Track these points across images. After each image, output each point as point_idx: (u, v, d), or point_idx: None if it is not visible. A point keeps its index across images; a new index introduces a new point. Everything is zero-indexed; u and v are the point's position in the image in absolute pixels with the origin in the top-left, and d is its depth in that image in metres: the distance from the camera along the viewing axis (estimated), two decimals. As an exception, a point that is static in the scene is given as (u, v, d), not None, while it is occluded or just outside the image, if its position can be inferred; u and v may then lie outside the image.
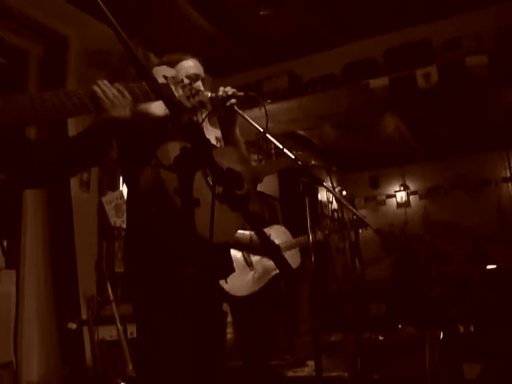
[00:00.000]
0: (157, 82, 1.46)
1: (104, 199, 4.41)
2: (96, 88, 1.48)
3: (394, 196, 8.59)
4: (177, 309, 1.88)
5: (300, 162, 2.47)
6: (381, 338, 3.32)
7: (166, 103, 1.18)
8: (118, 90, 1.52)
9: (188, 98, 1.70)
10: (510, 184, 7.74)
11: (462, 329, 4.21)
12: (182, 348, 1.96)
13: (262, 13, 4.84)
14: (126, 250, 2.10)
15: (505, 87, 5.07)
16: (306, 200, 2.43)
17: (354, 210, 2.56)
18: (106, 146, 1.61)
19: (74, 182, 4.18)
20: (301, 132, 5.99)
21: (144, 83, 1.53)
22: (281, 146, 2.51)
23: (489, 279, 4.56)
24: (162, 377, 1.92)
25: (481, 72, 4.50)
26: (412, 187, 8.51)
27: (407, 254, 7.78)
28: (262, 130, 2.61)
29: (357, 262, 8.03)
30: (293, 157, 2.50)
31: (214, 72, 4.86)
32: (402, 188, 8.53)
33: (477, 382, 3.28)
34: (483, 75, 4.51)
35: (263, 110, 2.43)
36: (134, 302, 2.11)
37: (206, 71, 2.40)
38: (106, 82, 1.51)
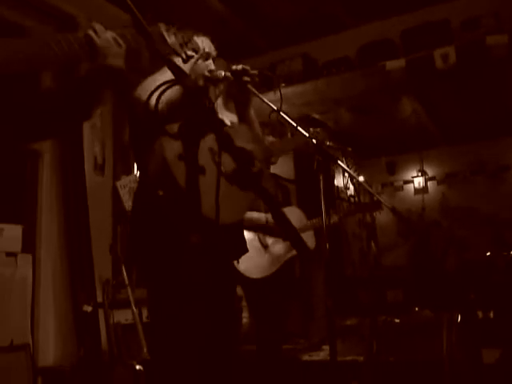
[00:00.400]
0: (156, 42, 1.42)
1: (118, 183, 4.41)
2: (91, 33, 1.42)
3: (412, 182, 8.47)
4: (189, 291, 1.86)
5: (314, 140, 2.43)
6: (397, 320, 3.27)
7: (169, 66, 1.14)
8: (114, 38, 1.45)
9: (181, 45, 1.65)
10: (530, 169, 7.58)
11: (480, 314, 4.16)
12: (195, 331, 1.94)
13: (275, -6, 4.77)
14: (132, 231, 2.08)
15: (525, 67, 4.94)
16: (321, 178, 2.38)
17: (371, 189, 2.51)
18: (97, 97, 1.53)
19: (88, 166, 4.17)
20: (316, 115, 5.92)
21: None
22: (295, 124, 2.48)
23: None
24: (176, 360, 1.91)
25: (501, 51, 4.39)
26: (430, 173, 8.37)
27: (424, 240, 7.70)
28: (275, 109, 2.58)
29: (373, 246, 7.97)
30: (307, 135, 2.47)
31: (228, 56, 4.80)
32: (419, 174, 8.40)
33: (496, 367, 3.23)
34: (503, 54, 4.39)
35: (278, 93, 2.41)
36: (146, 285, 2.10)
37: (219, 55, 2.37)
38: (100, 26, 1.45)
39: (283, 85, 5.03)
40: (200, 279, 1.76)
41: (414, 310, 3.50)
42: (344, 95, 5.18)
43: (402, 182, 8.55)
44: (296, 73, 5.23)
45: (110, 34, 1.45)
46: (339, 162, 2.43)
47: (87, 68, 1.50)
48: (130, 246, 2.03)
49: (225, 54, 2.50)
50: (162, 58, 1.22)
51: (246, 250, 2.32)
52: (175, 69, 1.17)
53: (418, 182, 8.41)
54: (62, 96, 1.55)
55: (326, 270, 2.55)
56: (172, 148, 1.74)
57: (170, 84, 1.15)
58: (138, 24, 1.24)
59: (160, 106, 1.72)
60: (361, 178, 8.16)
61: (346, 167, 2.42)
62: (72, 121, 1.64)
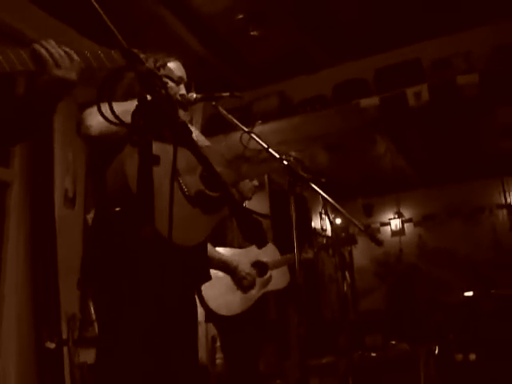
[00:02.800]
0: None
1: (89, 217, 4.30)
2: (37, 46, 1.38)
3: (389, 224, 8.49)
4: (142, 312, 1.75)
5: (286, 162, 2.40)
6: (373, 354, 3.17)
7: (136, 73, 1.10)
8: (65, 52, 1.42)
9: (157, 69, 1.63)
10: (504, 211, 7.67)
11: (460, 357, 4.07)
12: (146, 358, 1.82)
13: (252, 33, 4.85)
14: (85, 252, 2.00)
15: (496, 107, 5.06)
16: (292, 200, 2.34)
17: (347, 214, 2.47)
18: (47, 110, 1.50)
19: (58, 199, 4.09)
20: (293, 153, 5.94)
21: (112, 51, 1.44)
22: (266, 146, 2.45)
23: (498, 305, 4.45)
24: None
25: (472, 91, 4.49)
26: (406, 215, 8.42)
27: (402, 282, 7.64)
28: (247, 130, 2.56)
29: (350, 291, 7.88)
30: (278, 156, 2.44)
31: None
32: (396, 216, 8.44)
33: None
34: (474, 94, 4.50)
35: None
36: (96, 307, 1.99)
37: (196, 93, 2.36)
38: (51, 41, 1.42)
39: (259, 122, 5.05)
40: (154, 299, 1.66)
41: (391, 343, 3.41)
42: (319, 133, 5.23)
43: (378, 224, 8.57)
44: (272, 110, 5.28)
45: (61, 49, 1.43)
46: (311, 184, 2.40)
47: (41, 79, 1.47)
48: (82, 265, 1.92)
49: (203, 93, 2.50)
50: (124, 50, 1.18)
51: (209, 278, 2.23)
52: (137, 61, 1.14)
53: (395, 224, 8.44)
54: (27, 102, 1.53)
55: (298, 299, 2.46)
56: (132, 164, 1.70)
57: (121, 70, 1.11)
58: (119, 44, 1.22)
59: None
60: (337, 221, 8.17)
61: (318, 189, 2.37)
62: (27, 129, 1.61)
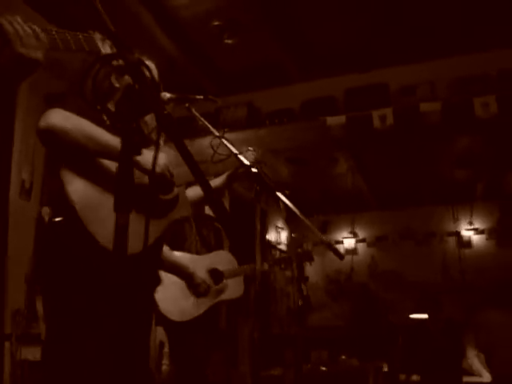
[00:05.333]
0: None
1: (44, 211, 4.17)
2: (3, 20, 1.32)
3: (342, 242, 8.61)
4: (92, 319, 1.72)
5: (254, 169, 2.40)
6: (323, 368, 3.19)
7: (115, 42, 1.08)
8: (32, 30, 1.35)
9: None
10: (454, 238, 7.90)
11: (403, 377, 4.15)
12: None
13: (226, 41, 4.86)
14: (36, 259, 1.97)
15: (455, 135, 5.24)
16: (258, 209, 2.34)
17: (313, 226, 2.48)
18: (7, 89, 1.45)
19: (13, 190, 3.95)
20: (255, 152, 5.97)
21: (78, 33, 1.40)
22: (236, 151, 2.45)
23: (445, 327, 4.56)
24: None
25: (434, 118, 4.64)
26: (360, 235, 8.56)
27: (368, 301, 7.72)
28: (218, 135, 2.55)
29: (301, 300, 7.91)
30: (248, 163, 2.43)
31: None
32: (350, 235, 8.57)
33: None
34: (436, 121, 4.65)
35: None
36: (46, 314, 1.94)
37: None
38: (17, 17, 1.35)
39: (227, 129, 5.05)
40: (105, 300, 1.63)
41: (341, 358, 3.44)
42: (284, 146, 5.27)
43: (333, 242, 8.66)
44: (240, 120, 5.30)
45: (29, 26, 1.37)
46: (277, 193, 2.41)
47: (3, 55, 1.41)
48: (33, 261, 1.92)
49: (176, 93, 2.48)
50: (113, 36, 1.16)
51: (158, 282, 2.20)
52: (120, 45, 1.12)
53: (349, 243, 8.56)
54: None
55: (255, 308, 2.45)
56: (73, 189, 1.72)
57: (110, 57, 1.09)
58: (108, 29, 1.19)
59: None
60: (293, 234, 8.24)
61: (284, 198, 2.38)
62: None
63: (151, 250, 1.92)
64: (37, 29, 1.38)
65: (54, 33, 1.40)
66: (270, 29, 4.74)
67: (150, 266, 2.06)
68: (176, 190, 2.03)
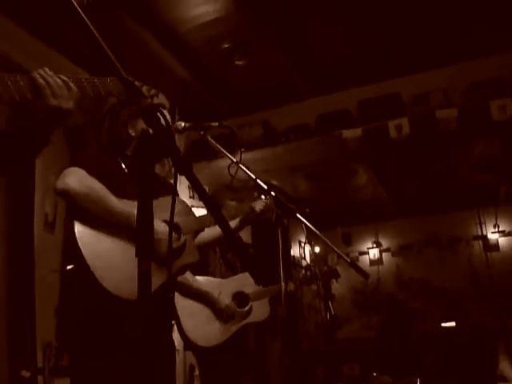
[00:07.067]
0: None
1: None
2: (36, 74, 1.37)
3: (367, 253, 8.54)
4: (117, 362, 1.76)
5: (273, 193, 2.41)
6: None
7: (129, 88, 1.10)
8: (63, 81, 1.41)
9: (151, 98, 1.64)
10: (480, 242, 7.78)
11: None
12: None
13: (237, 63, 4.91)
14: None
15: (473, 141, 5.19)
16: (279, 233, 2.35)
17: (330, 243, 2.48)
18: (42, 139, 1.49)
19: (37, 222, 4.02)
20: (274, 182, 5.97)
21: (108, 79, 1.44)
22: (254, 177, 2.47)
23: (476, 334, 4.48)
24: None
25: (451, 124, 4.60)
26: (385, 244, 8.49)
27: (397, 312, 7.63)
28: (235, 161, 2.57)
29: (329, 319, 7.85)
30: (265, 187, 2.45)
31: (189, 121, 4.86)
32: (374, 245, 8.50)
33: None
34: (453, 127, 4.61)
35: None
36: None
37: (181, 119, 2.39)
38: (47, 69, 1.40)
39: (243, 149, 5.08)
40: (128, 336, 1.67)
41: (372, 375, 3.39)
42: (301, 162, 5.27)
43: (357, 253, 8.61)
44: (256, 139, 5.32)
45: (58, 78, 1.42)
46: (298, 215, 2.41)
47: (37, 108, 1.46)
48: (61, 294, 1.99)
49: (186, 119, 2.53)
50: (124, 81, 1.18)
51: (174, 319, 2.24)
52: (135, 91, 1.14)
53: (373, 253, 8.49)
54: (14, 135, 1.51)
55: (283, 331, 2.44)
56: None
57: (124, 104, 1.11)
58: (118, 73, 1.22)
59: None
60: (316, 249, 8.19)
61: (304, 220, 2.39)
62: (20, 159, 1.59)
63: (157, 295, 1.93)
64: (67, 79, 1.44)
65: (83, 80, 1.46)
66: (279, 47, 4.77)
67: (160, 309, 2.05)
68: (183, 237, 2.06)
